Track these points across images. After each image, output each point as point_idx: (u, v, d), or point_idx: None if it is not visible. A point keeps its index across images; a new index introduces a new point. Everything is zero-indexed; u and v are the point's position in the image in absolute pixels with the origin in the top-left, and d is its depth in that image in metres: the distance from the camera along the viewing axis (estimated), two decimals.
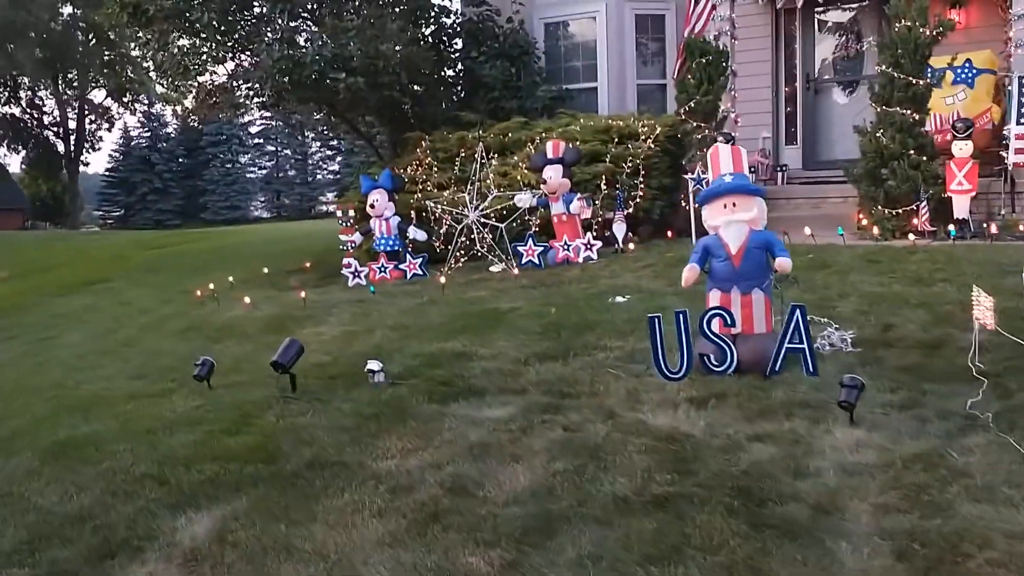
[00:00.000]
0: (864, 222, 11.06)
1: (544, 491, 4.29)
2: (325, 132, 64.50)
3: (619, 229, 10.87)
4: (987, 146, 11.80)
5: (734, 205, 5.89)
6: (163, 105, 58.23)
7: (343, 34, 11.42)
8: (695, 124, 12.04)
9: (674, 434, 4.89)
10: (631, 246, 10.79)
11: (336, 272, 12.76)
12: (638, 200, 11.60)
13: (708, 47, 11.91)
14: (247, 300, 10.26)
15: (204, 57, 12.53)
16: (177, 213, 62.29)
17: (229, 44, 12.43)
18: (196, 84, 13.77)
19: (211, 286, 11.72)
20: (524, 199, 11.12)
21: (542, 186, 11.03)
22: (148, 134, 65.62)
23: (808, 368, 5.48)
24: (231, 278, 12.60)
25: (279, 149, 71.51)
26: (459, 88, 14.54)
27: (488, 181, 11.42)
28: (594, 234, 10.91)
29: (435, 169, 12.71)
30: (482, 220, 11.30)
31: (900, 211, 10.69)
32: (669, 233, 11.53)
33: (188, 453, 5.28)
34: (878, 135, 11.02)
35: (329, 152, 70.44)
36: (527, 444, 4.93)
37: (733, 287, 5.88)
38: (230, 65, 13.00)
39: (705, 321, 5.63)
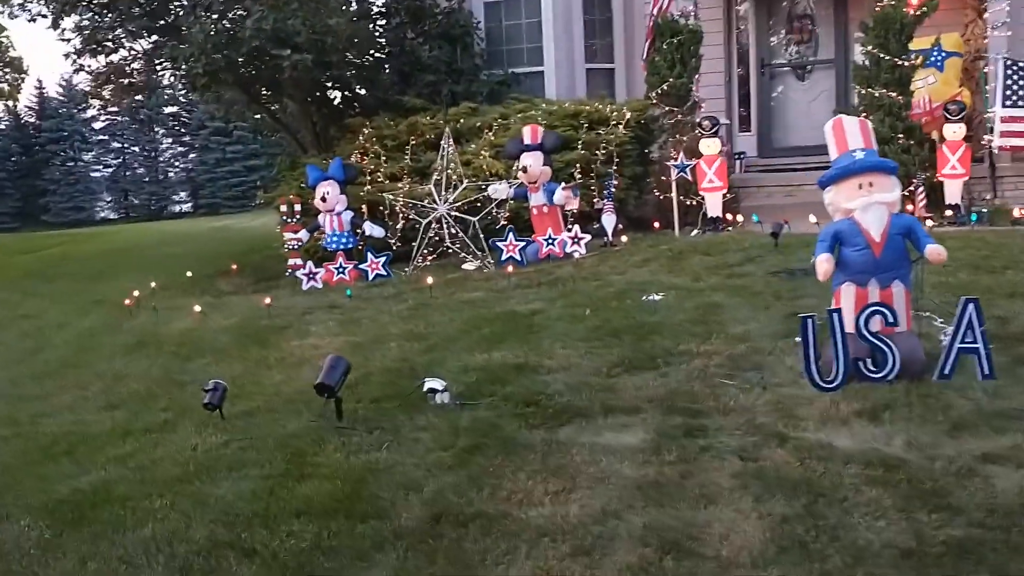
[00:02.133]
0: None
1: (793, 545, 3.37)
2: (175, 127, 61.38)
3: (608, 221, 10.02)
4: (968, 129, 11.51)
5: (870, 185, 5.10)
6: None
7: (284, 7, 10.09)
8: (667, 108, 11.31)
9: (882, 459, 4.06)
10: (624, 239, 9.93)
11: (274, 274, 11.47)
12: (612, 189, 10.76)
13: (679, 26, 11.21)
14: (196, 308, 8.86)
15: (119, 32, 10.90)
16: (14, 215, 57.67)
17: (144, 17, 10.85)
18: (107, 64, 12.06)
19: (136, 293, 10.20)
20: (500, 190, 10.12)
21: (520, 175, 10.06)
22: None
23: (984, 370, 4.75)
24: (153, 284, 11.06)
25: (125, 146, 67.41)
26: (391, 71, 13.33)
27: (458, 171, 10.33)
28: (572, 226, 9.98)
29: (383, 159, 11.51)
30: (452, 214, 10.21)
31: None
32: (656, 224, 10.74)
33: (256, 509, 4.12)
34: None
35: (181, 148, 66.92)
36: (709, 480, 4.00)
37: (871, 280, 5.09)
38: (147, 41, 11.39)
39: (863, 320, 4.81)
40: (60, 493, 4.55)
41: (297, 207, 10.79)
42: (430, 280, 8.77)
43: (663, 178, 11.16)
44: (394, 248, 10.88)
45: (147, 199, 65.13)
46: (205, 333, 8.10)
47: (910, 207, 9.99)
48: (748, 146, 13.48)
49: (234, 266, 12.32)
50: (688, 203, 10.81)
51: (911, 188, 10.16)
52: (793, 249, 8.80)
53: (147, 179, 66.12)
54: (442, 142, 10.41)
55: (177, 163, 66.80)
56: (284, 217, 10.79)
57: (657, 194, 11.22)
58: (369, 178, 11.32)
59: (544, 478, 4.15)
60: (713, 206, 10.46)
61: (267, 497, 4.25)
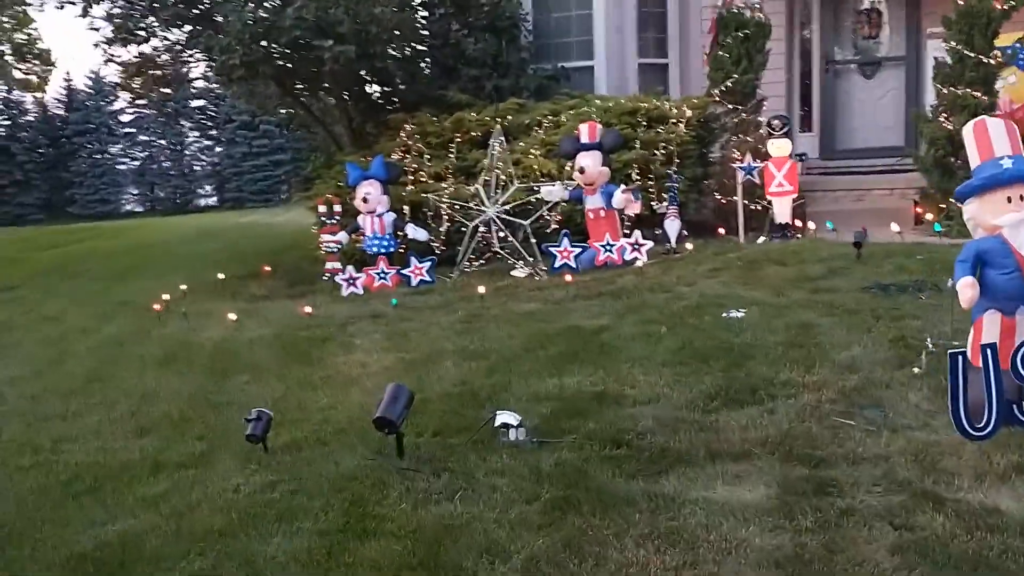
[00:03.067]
0: (929, 217, 9.79)
1: None
2: (202, 120, 61.04)
3: (672, 227, 9.30)
4: None
5: (1022, 199, 4.38)
6: (22, 91, 53.92)
7: None
8: (730, 106, 10.58)
9: None
10: (689, 246, 9.22)
11: (309, 278, 10.82)
12: (673, 192, 10.04)
13: (745, 19, 10.49)
14: (231, 316, 8.23)
15: (151, 20, 10.28)
16: (41, 207, 57.42)
17: (178, 5, 10.21)
18: (139, 54, 11.45)
19: (165, 297, 9.59)
20: (554, 192, 9.43)
21: (576, 176, 9.36)
22: (7, 122, 60.69)
23: None
24: (183, 287, 10.43)
25: (152, 139, 67.22)
26: (433, 65, 12.66)
27: (509, 171, 9.65)
28: (632, 232, 9.26)
29: (426, 157, 10.84)
30: (502, 216, 9.53)
31: None
32: (720, 230, 10.01)
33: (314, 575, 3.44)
34: (942, 120, 9.79)
35: (207, 142, 66.62)
36: (862, 555, 3.30)
37: (1021, 308, 4.36)
38: (181, 31, 10.76)
39: (1021, 357, 4.09)
40: (82, 545, 3.92)
41: (337, 207, 10.13)
42: (481, 289, 8.10)
43: (725, 180, 10.44)
44: (437, 252, 10.21)
45: (172, 192, 64.87)
46: (240, 345, 7.46)
47: None
48: (809, 147, 12.71)
49: (267, 268, 11.69)
50: (752, 208, 10.07)
51: None
52: (877, 260, 8.08)
53: (173, 172, 65.87)
54: (491, 140, 9.73)
55: (203, 157, 66.49)
56: (322, 218, 10.13)
57: (718, 197, 10.49)
58: (412, 177, 10.66)
59: (657, 546, 3.47)
60: (782, 212, 9.73)
61: (326, 560, 3.60)
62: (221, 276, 11.15)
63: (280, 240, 16.88)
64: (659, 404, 5.03)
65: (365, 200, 9.80)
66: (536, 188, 9.58)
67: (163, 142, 69.88)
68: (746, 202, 9.96)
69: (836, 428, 4.49)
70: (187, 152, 68.68)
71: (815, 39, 12.64)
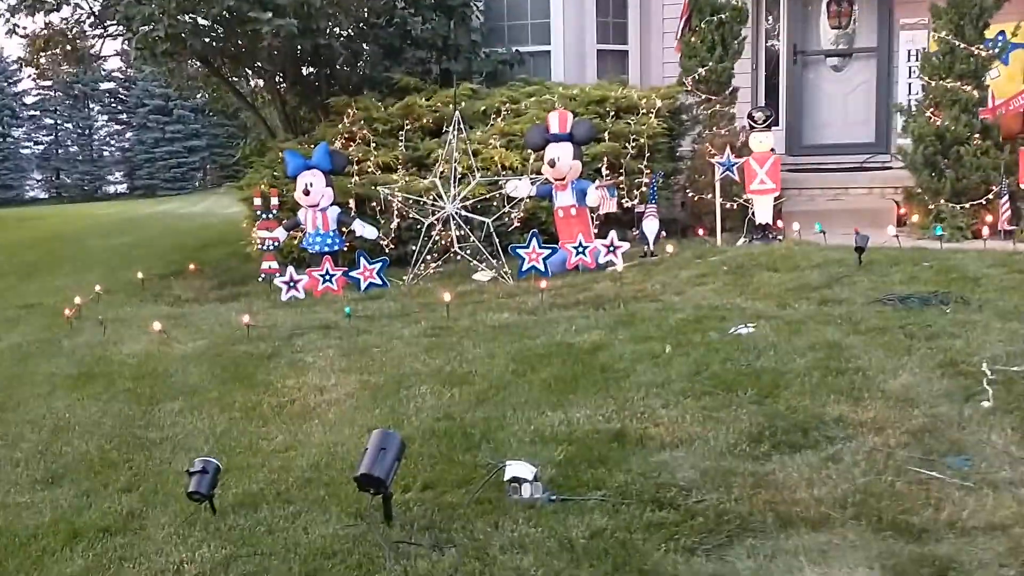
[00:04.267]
0: (915, 219, 9.19)
1: None
2: (112, 104, 58.56)
3: (651, 227, 8.50)
4: (1021, 131, 10.20)
5: None
6: None
7: None
8: (704, 97, 9.82)
9: None
10: (669, 248, 8.42)
11: (241, 278, 9.78)
12: (643, 189, 9.26)
13: (722, 3, 9.71)
14: (156, 326, 7.13)
15: None
16: None
17: None
18: (46, 25, 10.16)
19: (77, 300, 8.44)
20: (521, 187, 8.56)
21: (546, 170, 8.48)
22: None
23: None
24: (98, 287, 9.26)
25: (58, 122, 64.22)
26: (375, 45, 11.62)
27: (468, 163, 8.72)
28: (608, 233, 8.43)
29: (373, 146, 9.84)
30: (462, 213, 8.61)
31: (968, 206, 8.88)
32: (700, 231, 9.24)
33: None
34: (929, 115, 9.18)
35: (117, 127, 63.94)
36: None
37: None
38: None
39: None
40: None
41: (274, 200, 9.06)
42: (447, 297, 7.16)
43: (698, 177, 9.68)
44: (387, 252, 9.24)
45: (80, 179, 62.04)
46: (170, 362, 6.40)
47: (989, 218, 8.67)
48: (775, 143, 12.02)
49: (192, 266, 10.57)
50: (728, 207, 9.34)
51: (990, 197, 8.83)
52: (881, 268, 7.39)
53: (80, 158, 63.01)
54: (450, 128, 8.79)
55: (113, 142, 63.79)
56: (257, 211, 9.05)
57: (690, 195, 9.72)
58: (357, 168, 9.65)
59: None
60: (762, 211, 9.02)
61: None
62: (140, 275, 10.01)
63: (204, 234, 15.70)
64: (694, 448, 4.18)
65: (307, 192, 8.78)
66: (500, 182, 8.67)
67: (70, 126, 67.03)
68: (723, 200, 9.22)
69: (922, 483, 3.69)
70: (96, 137, 65.99)
71: (783, 28, 11.97)
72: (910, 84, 11.37)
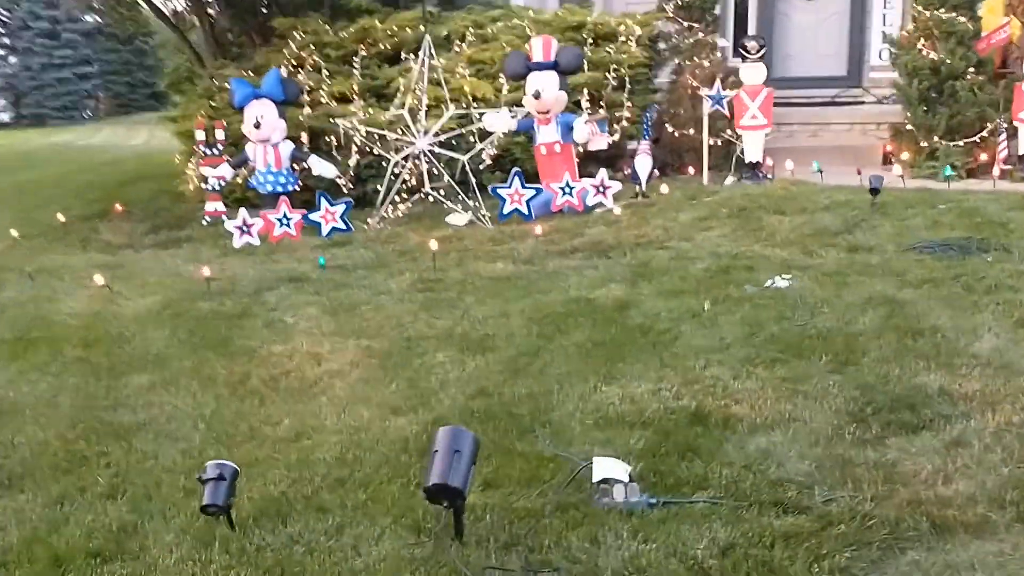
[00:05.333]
0: (905, 156, 8.73)
1: None
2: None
3: (643, 164, 7.85)
4: (1001, 66, 9.82)
5: None
6: None
7: None
8: (685, 25, 9.13)
9: None
10: (664, 188, 7.78)
11: (176, 221, 8.84)
12: (623, 123, 8.57)
13: None
14: (99, 279, 6.20)
15: None
16: None
17: None
18: None
19: None
20: (499, 121, 7.78)
21: (528, 102, 7.71)
22: None
23: None
24: (14, 232, 8.19)
25: None
26: None
27: (438, 93, 7.89)
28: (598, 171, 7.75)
29: (325, 73, 8.89)
30: (434, 149, 7.80)
31: (964, 143, 8.45)
32: (691, 169, 8.61)
33: None
34: (920, 47, 8.69)
35: (0, 51, 60.11)
36: None
37: None
38: None
39: None
40: None
41: (220, 134, 8.08)
42: (434, 245, 6.39)
43: (679, 111, 9.03)
44: (345, 191, 8.39)
45: None
46: (121, 322, 5.52)
47: (983, 156, 8.27)
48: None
49: (118, 206, 9.51)
50: (711, 143, 8.73)
51: (985, 134, 8.42)
52: (897, 211, 6.91)
53: None
54: (409, 56, 7.90)
55: None
56: (200, 147, 8.05)
57: (670, 130, 9.07)
58: (308, 99, 8.70)
59: None
60: (753, 148, 8.45)
61: None
62: (62, 217, 8.93)
63: (118, 169, 14.45)
64: (792, 431, 3.57)
65: (257, 125, 7.82)
66: (476, 116, 7.87)
67: None
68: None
69: None
70: None
71: None
72: (884, 15, 10.88)
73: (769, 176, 8.38)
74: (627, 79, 8.65)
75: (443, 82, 7.96)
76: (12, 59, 53.95)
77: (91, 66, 50.53)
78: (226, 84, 9.14)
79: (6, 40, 56.09)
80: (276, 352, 4.84)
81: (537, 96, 7.53)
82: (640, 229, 6.96)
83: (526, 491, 3.24)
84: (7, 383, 4.65)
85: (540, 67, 7.63)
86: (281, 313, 5.53)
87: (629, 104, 8.63)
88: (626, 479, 3.14)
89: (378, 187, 8.07)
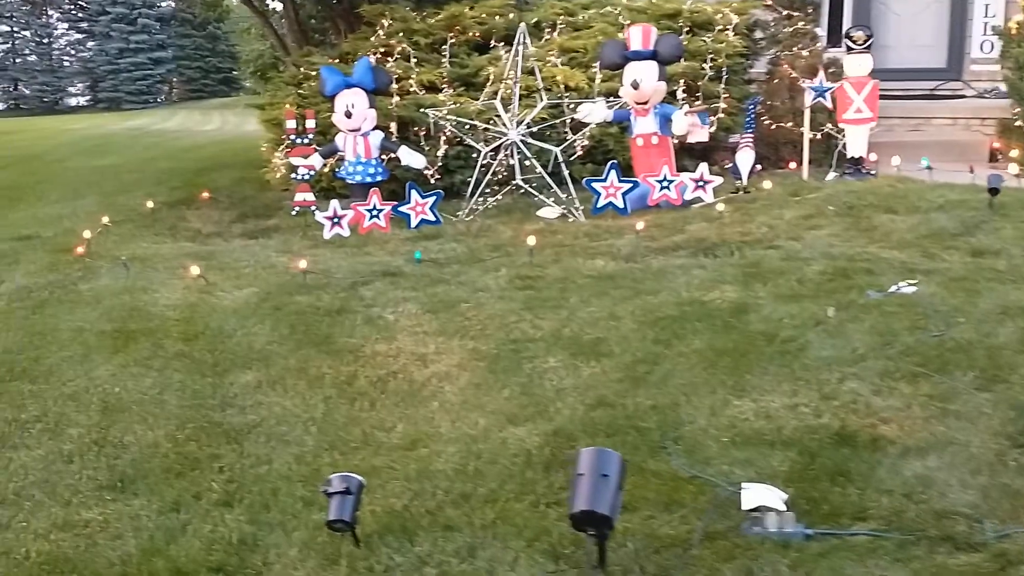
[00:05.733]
0: (1014, 154, 8.30)
1: None
2: (72, 11, 56.03)
3: (745, 159, 7.55)
4: None
5: None
6: None
7: None
8: (783, 12, 8.79)
9: None
10: (767, 184, 7.49)
11: (264, 210, 8.79)
12: (720, 115, 8.28)
13: None
14: (195, 270, 6.12)
15: None
16: None
17: None
18: None
19: (87, 234, 7.38)
20: (595, 111, 7.56)
21: (626, 93, 7.47)
22: None
23: None
24: (105, 219, 8.18)
25: (15, 30, 61.24)
26: None
27: (531, 83, 7.68)
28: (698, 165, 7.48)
29: (414, 62, 8.74)
30: (527, 140, 7.60)
31: None
32: (793, 164, 8.30)
33: None
34: None
35: (78, 35, 61.23)
36: None
37: None
38: None
39: None
40: None
41: (311, 123, 7.97)
42: (531, 241, 6.20)
43: (777, 103, 8.70)
44: (432, 181, 8.23)
45: (40, 90, 59.50)
46: (220, 315, 5.41)
47: None
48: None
49: (205, 193, 9.48)
50: (812, 136, 8.39)
51: None
52: (1015, 211, 6.53)
53: (40, 68, 60.31)
54: (515, 42, 7.69)
55: (73, 51, 61.08)
56: (291, 136, 7.95)
57: (768, 123, 8.75)
58: (397, 87, 8.54)
59: None
60: (856, 143, 8.08)
61: None
62: (150, 204, 8.92)
63: (197, 155, 14.51)
64: (949, 455, 3.32)
65: (348, 115, 7.69)
66: (570, 106, 7.65)
67: (27, 33, 64.13)
68: (801, 130, 8.28)
69: None
70: (56, 46, 63.24)
71: None
72: (987, 5, 10.40)
73: (872, 172, 8.02)
74: (724, 69, 8.34)
75: (536, 71, 7.73)
76: (90, 44, 55.04)
77: (165, 51, 51.28)
78: (312, 72, 9.05)
79: (84, 25, 57.27)
80: (380, 352, 4.68)
81: (635, 86, 7.28)
82: (744, 226, 6.69)
83: (666, 516, 3.04)
84: (111, 378, 4.55)
85: (638, 56, 7.37)
86: (380, 309, 5.38)
87: (726, 95, 8.33)
88: (782, 507, 2.91)
89: (467, 179, 7.90)
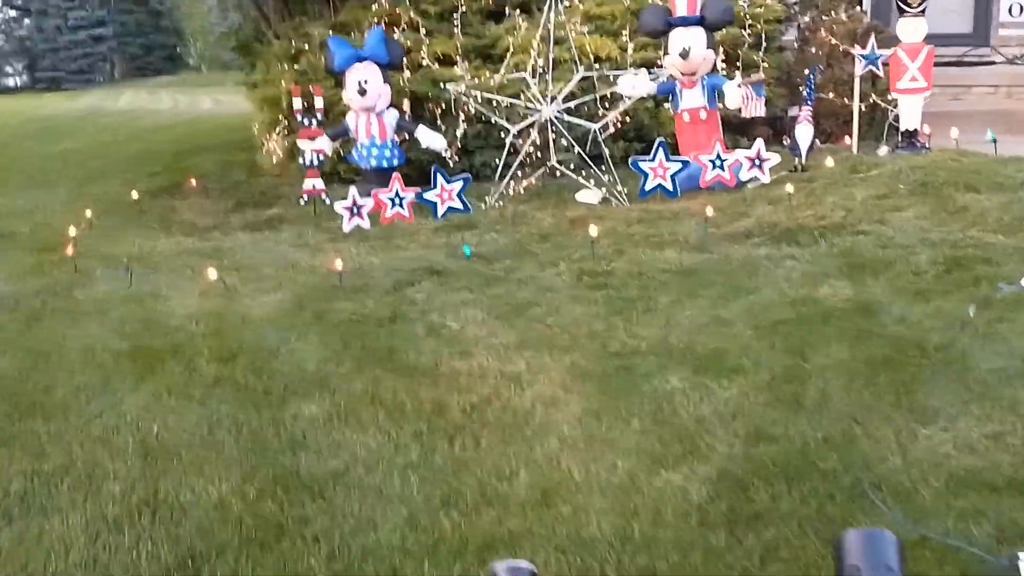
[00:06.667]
0: None
1: None
2: None
3: (804, 134, 6.92)
4: None
5: None
6: None
7: None
8: None
9: None
10: (829, 162, 6.88)
11: (263, 198, 8.01)
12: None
13: None
14: (212, 274, 5.34)
15: None
16: None
17: None
18: None
19: (72, 232, 6.55)
20: (638, 84, 6.88)
21: (670, 63, 6.80)
22: None
23: None
24: (88, 212, 7.34)
25: None
26: None
27: (571, 51, 6.98)
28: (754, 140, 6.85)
29: (424, 31, 7.97)
30: (564, 117, 6.91)
31: None
32: (847, 139, 7.69)
33: None
34: None
35: (13, 13, 58.90)
36: None
37: None
38: None
39: None
40: None
41: (319, 101, 7.18)
42: (593, 231, 5.51)
43: (816, 71, 8.06)
44: (451, 164, 7.51)
45: None
46: (254, 328, 4.68)
47: None
48: None
49: (193, 180, 8.65)
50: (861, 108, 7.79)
51: None
52: None
53: None
54: (546, 7, 6.97)
55: (8, 30, 58.65)
56: (300, 117, 7.16)
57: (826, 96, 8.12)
58: (407, 60, 7.78)
59: None
60: (911, 114, 7.50)
61: None
62: (135, 195, 8.08)
63: (169, 136, 13.57)
64: None
65: (363, 92, 6.92)
66: (609, 78, 6.97)
67: None
68: (844, 100, 7.70)
69: None
70: None
71: None
72: None
73: (927, 146, 7.45)
74: (763, 36, 7.71)
75: (570, 41, 7.02)
76: (26, 21, 52.91)
77: (106, 28, 49.50)
78: (305, 45, 8.26)
79: (19, 1, 55.04)
80: (460, 371, 3.99)
81: (685, 55, 6.61)
82: (815, 209, 6.09)
83: None
84: (144, 412, 3.80)
85: (684, 22, 6.70)
86: (439, 316, 4.68)
87: (765, 65, 7.69)
88: None
89: (489, 160, 7.20)
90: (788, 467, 3.04)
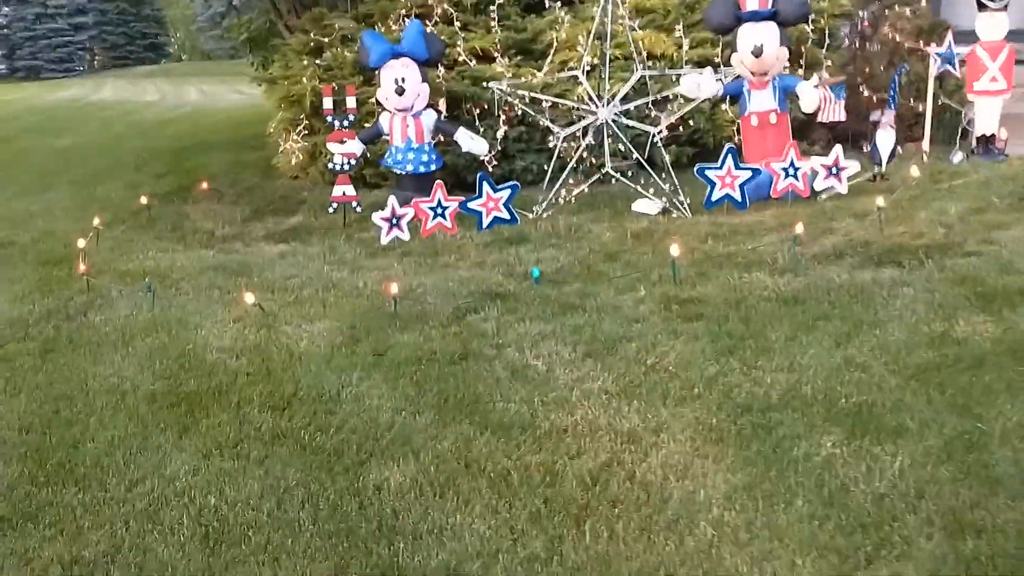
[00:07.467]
0: None
1: None
2: None
3: (885, 139, 6.35)
4: None
5: None
6: None
7: None
8: None
9: None
10: (914, 171, 6.32)
11: (283, 203, 7.42)
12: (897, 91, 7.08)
13: None
14: (249, 299, 4.72)
15: None
16: None
17: None
18: None
19: (81, 243, 5.93)
20: (704, 84, 6.28)
21: (742, 61, 6.22)
22: None
23: None
24: (96, 221, 6.70)
25: None
26: None
27: (627, 48, 6.39)
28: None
29: (457, 26, 7.36)
30: (623, 121, 6.32)
31: None
32: (925, 145, 7.14)
33: None
34: None
35: None
36: None
37: None
38: None
39: None
40: None
41: (351, 101, 6.55)
42: (675, 251, 4.92)
43: (872, 71, 7.53)
44: (490, 169, 6.91)
45: None
46: (308, 367, 4.07)
47: None
48: None
49: (204, 183, 8.01)
50: (920, 110, 7.26)
51: None
52: None
53: None
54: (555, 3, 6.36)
55: None
56: (331, 118, 6.53)
57: (865, 94, 7.59)
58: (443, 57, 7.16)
59: None
60: (988, 118, 6.97)
61: None
62: (144, 200, 7.43)
63: (172, 132, 12.90)
64: None
65: (400, 91, 6.30)
66: (672, 78, 6.38)
67: None
68: (909, 102, 7.16)
69: None
70: None
71: None
72: None
73: (1006, 153, 6.91)
74: (827, 32, 7.14)
75: (627, 37, 6.42)
76: (5, 9, 51.74)
77: (86, 16, 48.59)
78: (325, 39, 7.64)
79: None
80: (563, 427, 3.41)
81: (758, 53, 6.03)
82: (907, 224, 5.53)
83: None
84: (193, 476, 3.20)
85: (756, 16, 6.12)
86: (517, 352, 4.09)
87: (828, 63, 7.13)
88: None
89: (530, 165, 6.63)
90: (1013, 570, 2.47)
